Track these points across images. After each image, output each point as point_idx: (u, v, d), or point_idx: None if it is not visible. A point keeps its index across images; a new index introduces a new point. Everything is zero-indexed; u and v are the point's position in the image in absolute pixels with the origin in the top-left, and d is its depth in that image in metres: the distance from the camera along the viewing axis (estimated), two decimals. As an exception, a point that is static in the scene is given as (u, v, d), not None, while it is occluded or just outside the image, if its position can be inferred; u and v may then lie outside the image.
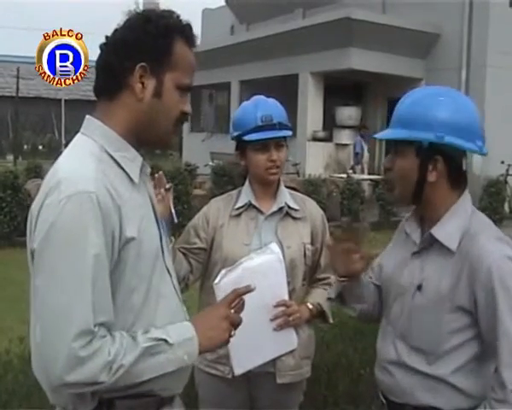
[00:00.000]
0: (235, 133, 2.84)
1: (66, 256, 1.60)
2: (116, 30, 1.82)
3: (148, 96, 1.79)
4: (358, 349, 4.50)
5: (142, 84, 1.78)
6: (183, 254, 2.83)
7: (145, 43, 1.77)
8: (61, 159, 1.77)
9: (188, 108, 1.88)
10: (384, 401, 2.26)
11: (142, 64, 1.76)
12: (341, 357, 4.47)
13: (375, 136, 2.24)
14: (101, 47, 1.83)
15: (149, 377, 1.69)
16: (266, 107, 2.82)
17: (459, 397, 2.05)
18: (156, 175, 2.63)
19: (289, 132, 2.82)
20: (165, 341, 1.71)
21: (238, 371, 2.64)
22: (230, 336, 1.89)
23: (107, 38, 1.82)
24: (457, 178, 2.11)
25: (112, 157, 1.78)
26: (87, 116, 1.85)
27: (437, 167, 2.05)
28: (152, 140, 1.89)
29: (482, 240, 2.01)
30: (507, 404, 1.89)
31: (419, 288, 2.10)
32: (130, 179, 1.80)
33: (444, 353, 2.05)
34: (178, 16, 1.85)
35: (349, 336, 4.76)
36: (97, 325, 1.60)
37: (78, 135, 1.83)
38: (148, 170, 1.95)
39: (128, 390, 1.70)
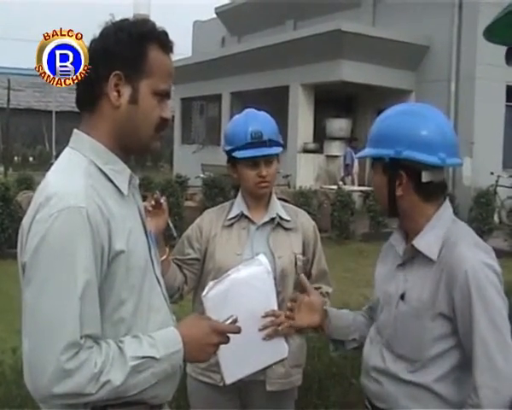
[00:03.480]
0: (227, 148, 2.87)
1: (55, 270, 1.61)
2: (91, 42, 1.83)
3: (124, 103, 1.80)
4: (349, 358, 4.52)
5: (118, 92, 1.79)
6: (178, 265, 2.86)
7: (118, 51, 1.78)
8: (50, 174, 1.79)
9: (166, 114, 1.88)
10: (370, 407, 2.28)
11: (117, 72, 1.77)
12: (332, 366, 4.49)
13: (357, 155, 2.36)
14: None
15: (134, 393, 1.71)
16: (257, 122, 2.83)
17: (441, 405, 2.07)
18: (155, 195, 2.65)
19: (279, 149, 2.85)
20: (153, 358, 1.72)
21: (229, 380, 2.65)
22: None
23: None
24: (428, 191, 2.14)
25: (101, 170, 1.79)
26: (75, 130, 1.87)
27: (402, 182, 2.11)
28: (135, 147, 1.89)
29: (460, 247, 2.06)
30: (480, 408, 1.91)
31: (402, 297, 2.14)
32: (120, 192, 1.82)
33: (427, 361, 2.08)
34: (153, 24, 1.86)
35: (340, 346, 4.77)
36: (84, 336, 1.62)
37: (67, 149, 1.85)
38: (137, 182, 1.96)
39: (120, 399, 1.71)
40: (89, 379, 1.61)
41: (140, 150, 1.95)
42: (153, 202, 2.65)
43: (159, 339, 1.77)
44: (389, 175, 2.12)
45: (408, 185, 2.11)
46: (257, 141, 2.77)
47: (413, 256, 2.17)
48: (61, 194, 1.66)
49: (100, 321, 1.69)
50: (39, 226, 1.64)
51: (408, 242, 2.22)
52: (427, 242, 2.12)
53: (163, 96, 1.87)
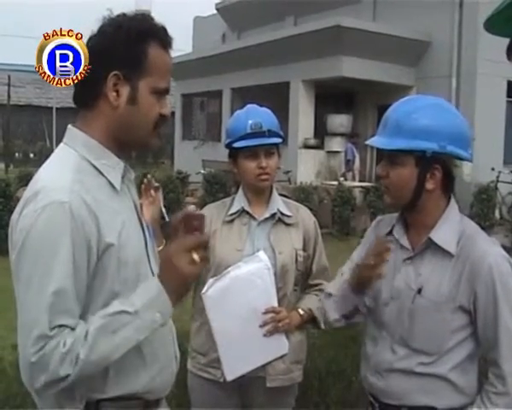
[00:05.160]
0: (227, 141, 2.87)
1: (37, 266, 1.62)
2: (90, 38, 1.81)
3: (122, 103, 1.79)
4: (349, 356, 4.52)
5: (117, 92, 1.78)
6: None
7: (117, 50, 1.76)
8: (41, 169, 1.80)
9: (166, 110, 1.87)
10: (377, 404, 2.28)
11: (116, 72, 1.76)
12: (333, 363, 4.49)
13: (370, 142, 2.22)
14: None
15: (122, 353, 1.67)
16: (256, 114, 2.85)
17: (454, 394, 2.13)
18: (145, 180, 2.64)
19: (279, 140, 2.85)
20: (125, 311, 1.67)
21: (230, 377, 2.65)
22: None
23: None
24: (449, 185, 2.19)
25: (93, 165, 1.80)
26: (69, 126, 1.87)
27: (435, 176, 2.11)
28: (132, 144, 1.90)
29: (481, 242, 2.13)
30: (508, 396, 2.00)
31: (419, 291, 2.14)
32: (113, 186, 1.82)
33: (444, 353, 2.12)
34: (152, 19, 1.84)
35: (340, 343, 4.78)
36: (57, 326, 1.60)
37: (61, 145, 1.86)
38: (132, 175, 1.96)
39: (114, 392, 1.73)
40: (59, 361, 1.59)
41: (138, 147, 1.96)
42: (155, 184, 2.63)
43: (134, 295, 1.70)
44: (423, 168, 2.10)
45: (439, 179, 2.12)
46: (256, 131, 2.78)
47: (424, 249, 2.18)
48: (47, 189, 1.67)
49: (78, 313, 1.66)
50: (25, 222, 1.65)
51: (411, 234, 2.24)
52: (444, 235, 2.15)
53: (162, 93, 1.86)
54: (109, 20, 1.82)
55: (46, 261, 1.62)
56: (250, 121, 2.80)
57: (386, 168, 2.17)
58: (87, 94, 1.82)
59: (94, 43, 1.79)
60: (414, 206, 2.16)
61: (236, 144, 2.81)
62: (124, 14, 1.83)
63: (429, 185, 2.11)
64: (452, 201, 2.21)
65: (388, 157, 2.17)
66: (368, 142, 2.27)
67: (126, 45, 1.77)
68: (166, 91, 1.88)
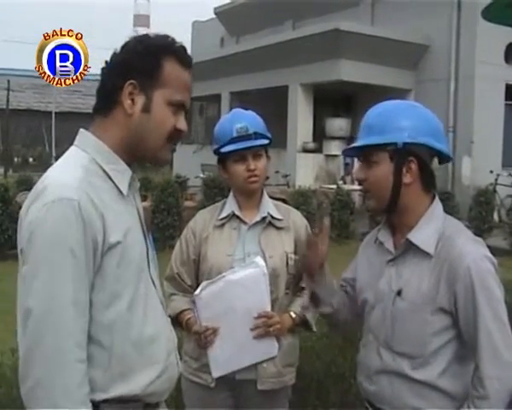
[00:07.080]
0: (215, 147, 2.90)
1: (46, 259, 1.65)
2: (114, 54, 1.90)
3: (137, 111, 1.85)
4: (348, 359, 4.51)
5: (132, 100, 1.85)
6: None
7: (134, 61, 1.84)
8: (51, 167, 1.84)
9: (181, 124, 1.93)
10: (370, 409, 2.28)
11: (132, 81, 1.84)
12: (331, 366, 4.48)
13: (346, 148, 2.32)
14: (101, 70, 1.92)
15: None
16: (241, 118, 2.88)
17: (446, 400, 2.10)
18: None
19: (266, 141, 2.86)
20: None
21: (216, 373, 2.69)
22: None
23: (106, 62, 1.91)
24: (429, 181, 2.18)
25: (102, 169, 1.84)
26: (80, 130, 1.92)
27: (411, 169, 2.11)
28: (144, 154, 1.94)
29: (460, 241, 2.09)
30: (489, 400, 1.95)
31: (399, 293, 2.14)
32: (119, 191, 1.86)
33: (428, 356, 2.09)
34: (172, 39, 1.93)
35: (338, 346, 4.76)
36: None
37: (72, 147, 1.90)
38: (138, 185, 2.01)
39: (114, 392, 1.75)
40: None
41: (148, 158, 1.99)
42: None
43: None
44: (397, 162, 2.11)
45: (416, 173, 2.12)
46: (242, 135, 2.80)
47: (405, 251, 2.18)
48: (55, 185, 1.71)
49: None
50: (33, 216, 1.69)
51: (397, 237, 2.24)
52: (423, 236, 2.13)
53: (178, 107, 1.92)
54: (132, 38, 1.92)
55: (56, 259, 1.65)
56: (236, 125, 2.82)
57: (364, 171, 2.19)
58: (105, 102, 1.89)
59: (116, 57, 1.89)
60: (394, 206, 2.16)
61: (224, 149, 2.83)
62: (146, 34, 1.93)
63: (406, 179, 2.12)
64: (436, 200, 2.21)
65: (364, 159, 2.19)
66: (343, 149, 2.35)
67: (143, 56, 1.86)
68: (183, 106, 1.95)
